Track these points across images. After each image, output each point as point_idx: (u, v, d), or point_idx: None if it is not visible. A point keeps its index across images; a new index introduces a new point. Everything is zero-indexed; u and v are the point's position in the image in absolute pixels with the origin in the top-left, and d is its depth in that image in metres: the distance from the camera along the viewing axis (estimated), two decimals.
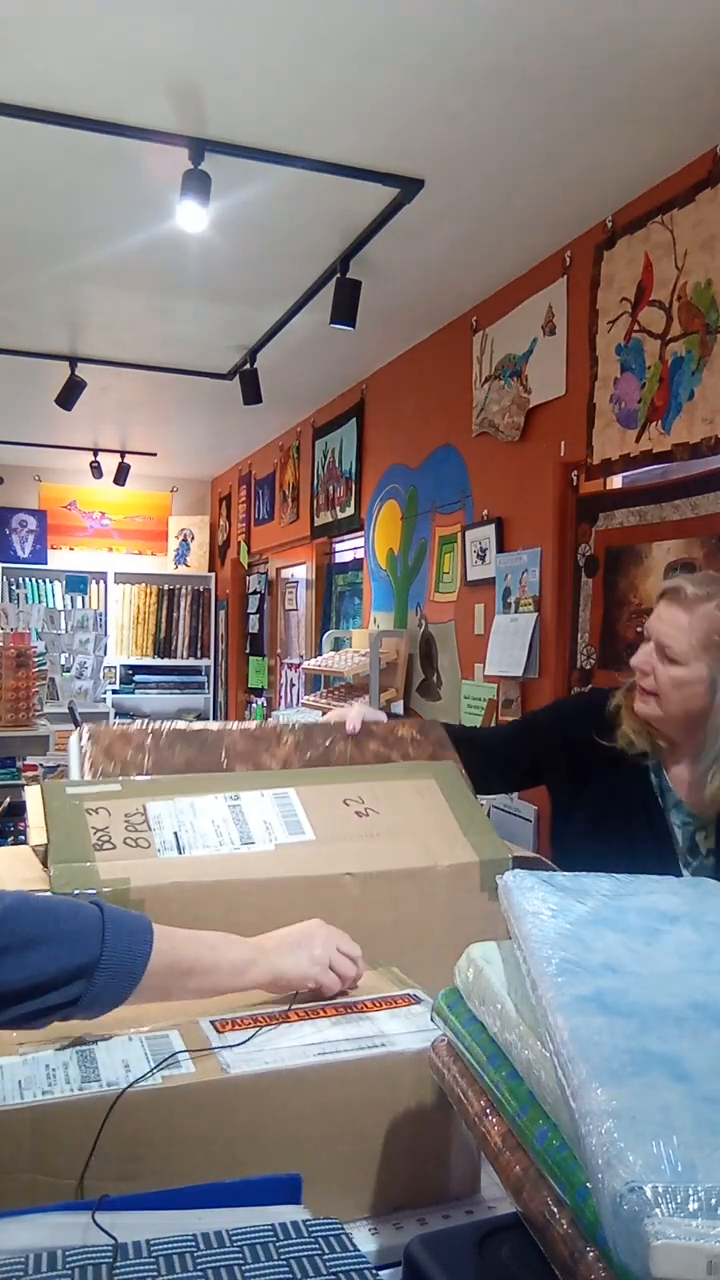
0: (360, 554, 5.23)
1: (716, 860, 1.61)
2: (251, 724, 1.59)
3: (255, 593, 7.18)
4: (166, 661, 8.17)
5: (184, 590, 8.18)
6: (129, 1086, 0.89)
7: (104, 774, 1.42)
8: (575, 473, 3.19)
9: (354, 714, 1.63)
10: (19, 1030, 0.95)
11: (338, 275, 3.35)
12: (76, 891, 1.15)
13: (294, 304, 3.92)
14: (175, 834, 1.29)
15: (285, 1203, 0.82)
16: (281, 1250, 0.73)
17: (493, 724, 3.62)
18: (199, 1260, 0.71)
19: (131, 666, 8.03)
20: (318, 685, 5.23)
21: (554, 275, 3.35)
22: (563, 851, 1.76)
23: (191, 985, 1.02)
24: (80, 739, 1.49)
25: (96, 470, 7.00)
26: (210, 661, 8.23)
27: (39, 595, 7.67)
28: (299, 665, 6.24)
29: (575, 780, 1.75)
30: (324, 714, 1.76)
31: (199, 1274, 0.70)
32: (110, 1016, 0.98)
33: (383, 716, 1.69)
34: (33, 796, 1.42)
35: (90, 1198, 0.82)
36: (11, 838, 4.33)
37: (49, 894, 1.01)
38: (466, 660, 3.91)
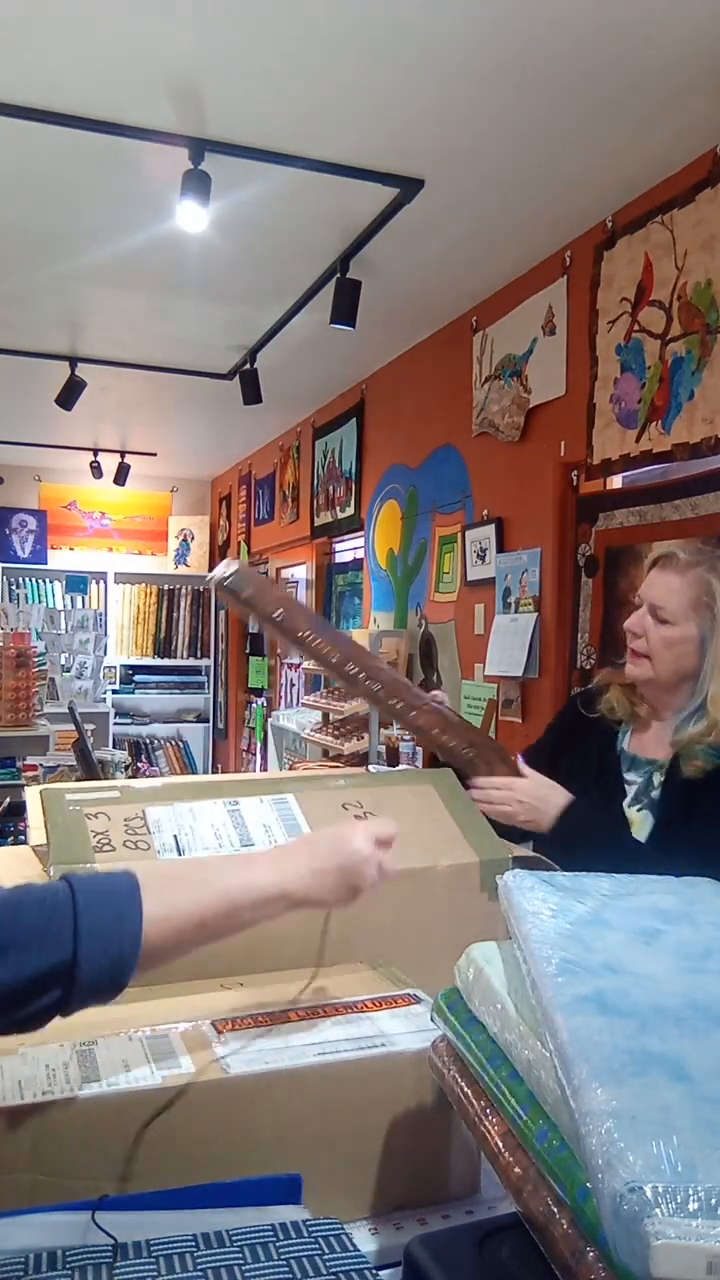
0: (360, 554, 5.23)
1: (664, 792, 1.65)
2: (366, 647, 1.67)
3: None
4: (166, 661, 8.17)
5: (184, 590, 8.18)
6: (198, 1076, 0.88)
7: (240, 596, 1.47)
8: (575, 473, 3.19)
9: (442, 694, 1.74)
10: (12, 1034, 0.88)
11: (338, 275, 3.35)
12: None
13: (294, 304, 3.92)
14: (175, 836, 1.29)
15: (285, 1203, 0.82)
16: (281, 1250, 0.73)
17: (493, 723, 3.62)
18: (199, 1260, 0.71)
19: (131, 666, 8.03)
20: (317, 685, 5.23)
21: (554, 275, 3.35)
22: None
23: (205, 939, 0.91)
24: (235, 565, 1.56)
25: (96, 470, 7.00)
26: (210, 661, 8.23)
27: (39, 595, 7.67)
28: (299, 665, 6.24)
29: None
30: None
31: (199, 1274, 0.70)
32: (110, 1015, 0.98)
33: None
34: (33, 797, 1.42)
35: (90, 1198, 0.82)
36: (11, 838, 4.32)
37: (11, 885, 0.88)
38: (466, 660, 3.91)
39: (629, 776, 1.70)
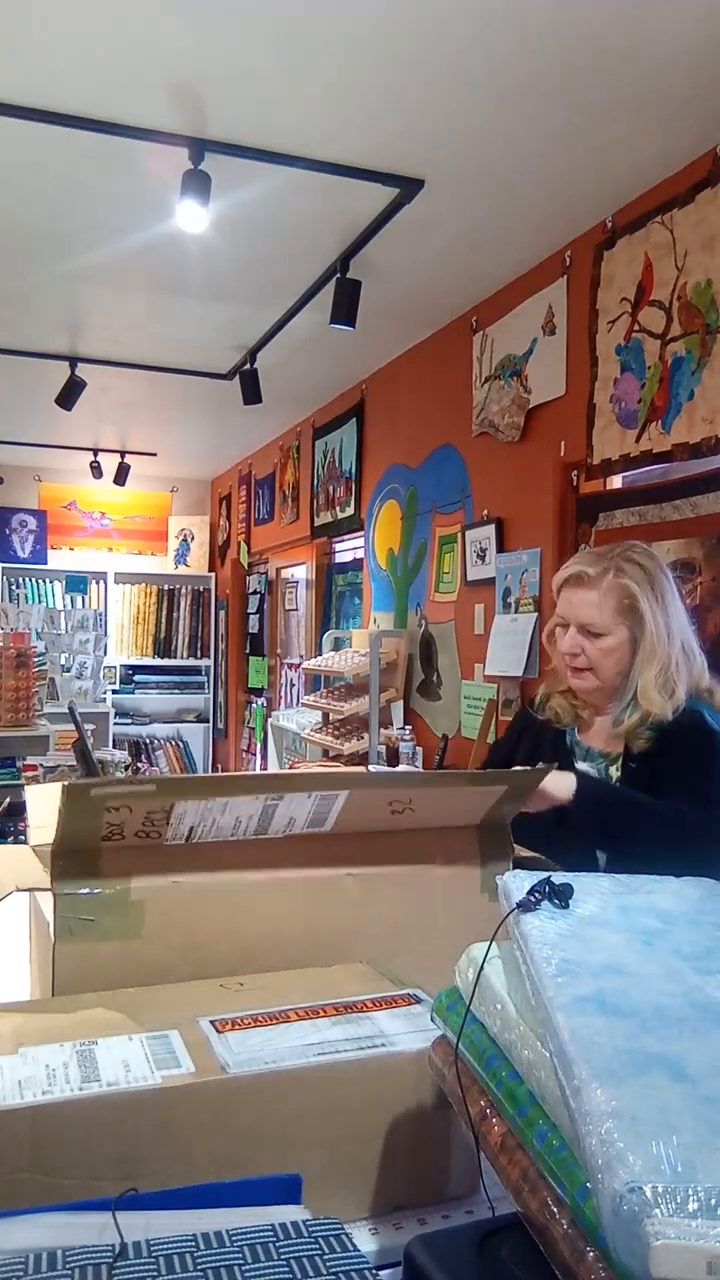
0: (360, 554, 5.23)
1: (624, 772, 1.80)
2: None
3: (255, 593, 7.18)
4: (166, 661, 8.17)
5: (184, 590, 8.18)
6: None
7: None
8: (575, 473, 3.19)
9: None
10: None
11: (338, 275, 3.35)
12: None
13: (294, 304, 3.92)
14: (191, 828, 1.27)
15: (285, 1203, 0.82)
16: (281, 1250, 0.73)
17: (493, 723, 3.62)
18: (199, 1260, 0.71)
19: (131, 666, 8.03)
20: (318, 685, 5.23)
21: (554, 275, 3.35)
22: None
23: None
24: None
25: (96, 470, 7.00)
26: (210, 661, 8.23)
27: (39, 595, 7.67)
28: (299, 665, 6.24)
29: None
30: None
31: (199, 1274, 0.70)
32: (110, 1015, 0.98)
33: None
34: (33, 796, 1.42)
35: (105, 1196, 0.82)
36: (11, 838, 4.32)
37: None
38: (466, 660, 3.91)
39: (582, 766, 1.84)
